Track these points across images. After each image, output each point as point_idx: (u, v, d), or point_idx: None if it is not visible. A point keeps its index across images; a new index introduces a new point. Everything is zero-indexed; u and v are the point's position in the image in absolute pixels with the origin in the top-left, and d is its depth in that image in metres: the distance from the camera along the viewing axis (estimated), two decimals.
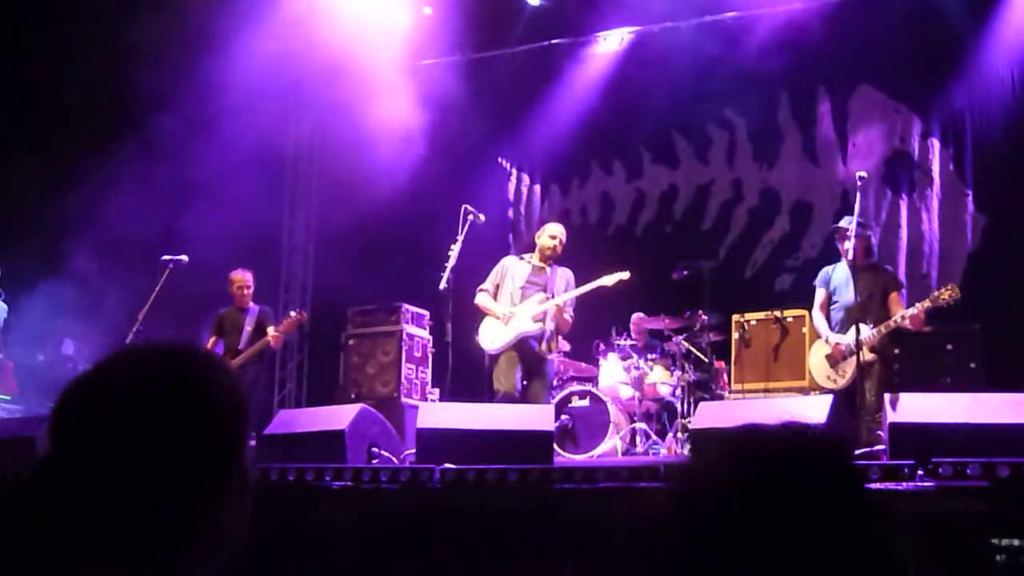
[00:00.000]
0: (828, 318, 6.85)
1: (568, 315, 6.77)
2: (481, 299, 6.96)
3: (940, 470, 4.17)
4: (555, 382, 7.78)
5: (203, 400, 1.27)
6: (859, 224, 6.45)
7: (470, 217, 6.64)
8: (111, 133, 8.94)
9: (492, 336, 6.85)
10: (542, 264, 6.96)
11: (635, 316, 8.89)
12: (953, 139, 8.95)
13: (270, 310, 8.44)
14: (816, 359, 6.82)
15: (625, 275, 6.71)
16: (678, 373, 8.21)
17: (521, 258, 7.06)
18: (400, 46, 9.37)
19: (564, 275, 6.97)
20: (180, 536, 1.25)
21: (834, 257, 6.97)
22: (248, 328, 8.09)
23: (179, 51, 8.46)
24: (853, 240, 6.38)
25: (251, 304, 8.29)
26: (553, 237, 6.96)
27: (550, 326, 6.80)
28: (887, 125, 9.24)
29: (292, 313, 8.14)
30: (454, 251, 6.51)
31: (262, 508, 1.36)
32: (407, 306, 9.25)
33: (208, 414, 1.27)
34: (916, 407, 4.78)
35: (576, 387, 8.22)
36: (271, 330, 8.00)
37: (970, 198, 8.87)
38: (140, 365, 1.29)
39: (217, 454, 1.27)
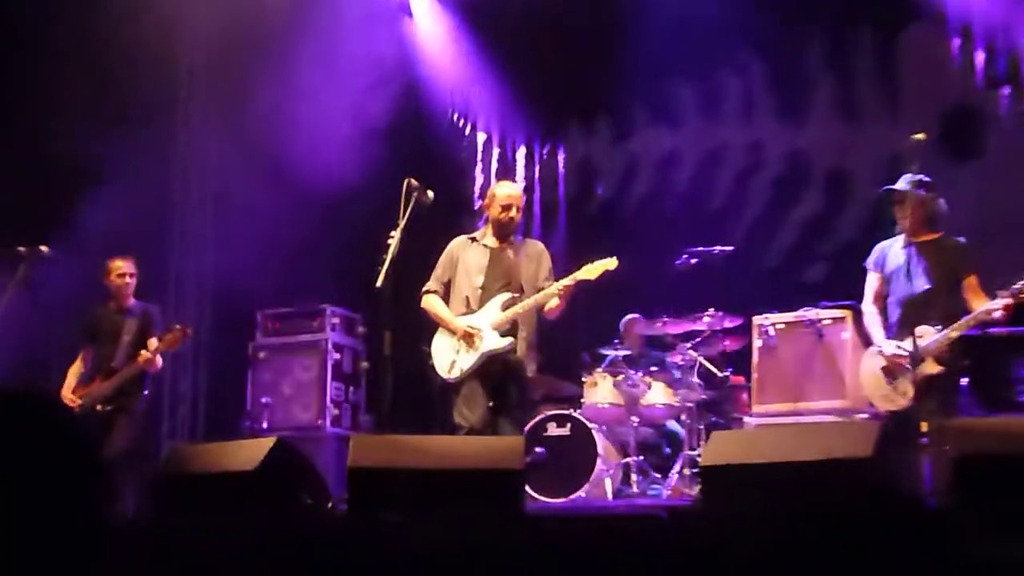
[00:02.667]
0: (883, 312, 6.63)
1: (553, 300, 6.55)
2: (429, 303, 6.85)
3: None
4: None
5: (37, 456, 1.26)
6: (920, 183, 6.30)
7: (415, 194, 6.46)
8: None
9: (448, 358, 6.70)
10: (499, 244, 6.80)
11: (628, 319, 8.98)
12: None
13: (158, 311, 8.40)
14: (869, 370, 6.57)
15: (612, 263, 6.48)
16: (683, 391, 8.26)
17: (472, 239, 6.88)
18: None
19: (534, 254, 6.80)
20: None
21: (888, 232, 6.76)
22: (127, 337, 8.07)
23: None
24: (910, 206, 6.26)
25: (133, 302, 8.26)
26: (507, 205, 6.77)
27: (525, 333, 6.68)
28: (949, 71, 9.27)
29: (175, 328, 8.03)
30: (395, 238, 6.34)
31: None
32: (334, 309, 9.40)
33: (43, 474, 1.26)
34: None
35: (553, 411, 8.27)
36: (152, 343, 7.93)
37: None
38: None
39: (58, 517, 1.25)
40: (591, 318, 8.59)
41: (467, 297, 6.67)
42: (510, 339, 6.57)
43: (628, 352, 8.75)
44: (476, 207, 10.49)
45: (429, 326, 6.92)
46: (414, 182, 6.45)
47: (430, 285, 6.87)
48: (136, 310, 8.19)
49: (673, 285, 8.54)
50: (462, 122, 10.87)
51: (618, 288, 7.39)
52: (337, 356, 9.36)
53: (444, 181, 8.36)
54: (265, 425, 8.93)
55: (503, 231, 6.73)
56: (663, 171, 10.33)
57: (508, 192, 6.84)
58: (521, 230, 6.95)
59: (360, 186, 9.34)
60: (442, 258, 6.89)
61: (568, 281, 6.47)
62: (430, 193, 6.54)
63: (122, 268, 8.22)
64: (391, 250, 6.27)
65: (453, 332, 6.64)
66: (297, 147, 9.45)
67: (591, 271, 6.45)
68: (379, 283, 6.23)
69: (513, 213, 6.70)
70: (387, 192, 7.04)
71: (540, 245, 6.86)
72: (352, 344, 9.67)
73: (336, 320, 9.50)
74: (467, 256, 6.76)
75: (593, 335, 8.82)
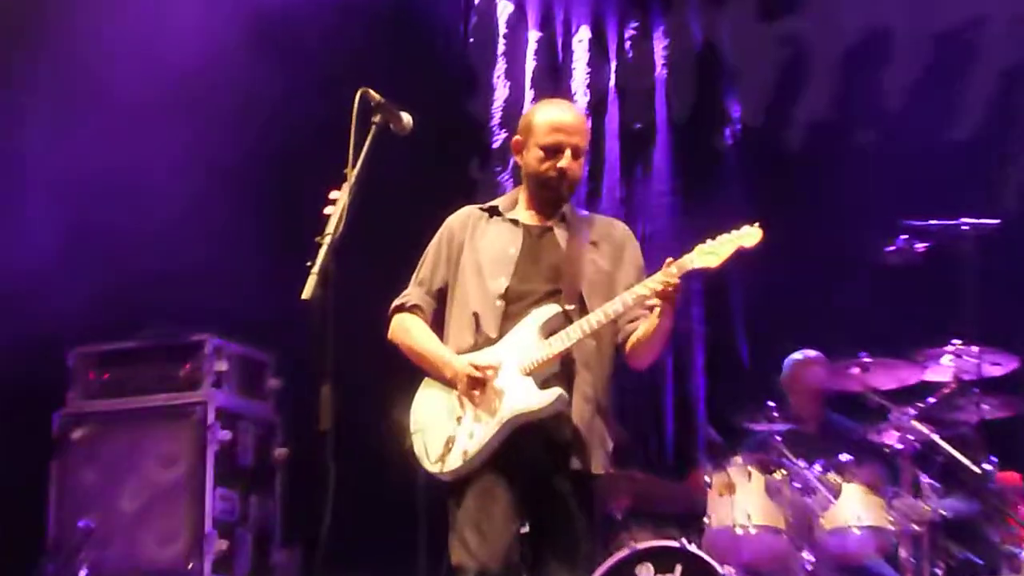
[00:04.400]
0: None
1: (643, 324, 5.77)
2: (404, 328, 6.10)
3: None
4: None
5: None
6: None
7: (377, 119, 5.43)
8: None
9: (440, 433, 5.82)
10: (541, 220, 6.06)
11: (794, 361, 8.64)
12: None
13: None
14: None
15: (755, 236, 5.64)
16: (904, 503, 7.65)
17: (489, 211, 6.21)
18: None
19: (609, 239, 6.13)
20: None
21: None
22: None
23: None
24: None
25: None
26: (554, 144, 5.94)
27: (592, 383, 5.76)
28: None
29: None
30: (338, 206, 5.35)
31: None
32: (220, 343, 8.64)
33: None
34: None
35: (650, 540, 7.81)
36: None
37: None
38: None
39: None
40: (720, 357, 8.69)
41: (476, 315, 5.84)
42: (557, 392, 5.63)
43: (794, 426, 8.25)
44: (495, 145, 10.12)
45: (404, 374, 6.08)
46: (375, 96, 5.45)
47: (408, 296, 6.11)
48: None
49: (880, 294, 8.36)
50: None
51: (770, 298, 8.03)
52: (226, 435, 8.36)
53: (435, 94, 8.67)
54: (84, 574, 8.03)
55: (549, 194, 5.97)
56: (856, 69, 9.75)
57: (558, 118, 5.98)
58: (582, 194, 6.97)
59: (270, 106, 9.16)
60: (431, 247, 6.20)
61: (671, 274, 5.54)
62: (406, 118, 5.54)
63: None
64: (332, 229, 5.29)
65: (448, 381, 5.83)
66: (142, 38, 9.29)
67: (715, 252, 5.62)
68: (308, 292, 5.13)
69: (567, 160, 5.87)
70: (323, 118, 6.93)
71: (621, 225, 6.22)
72: (255, 411, 8.71)
73: (223, 365, 8.51)
74: (480, 241, 6.08)
75: (726, 391, 8.65)
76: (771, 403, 8.16)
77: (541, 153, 5.87)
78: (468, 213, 6.21)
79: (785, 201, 9.35)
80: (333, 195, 5.35)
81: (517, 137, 6.09)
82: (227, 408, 8.66)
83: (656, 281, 5.50)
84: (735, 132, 10.34)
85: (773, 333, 8.92)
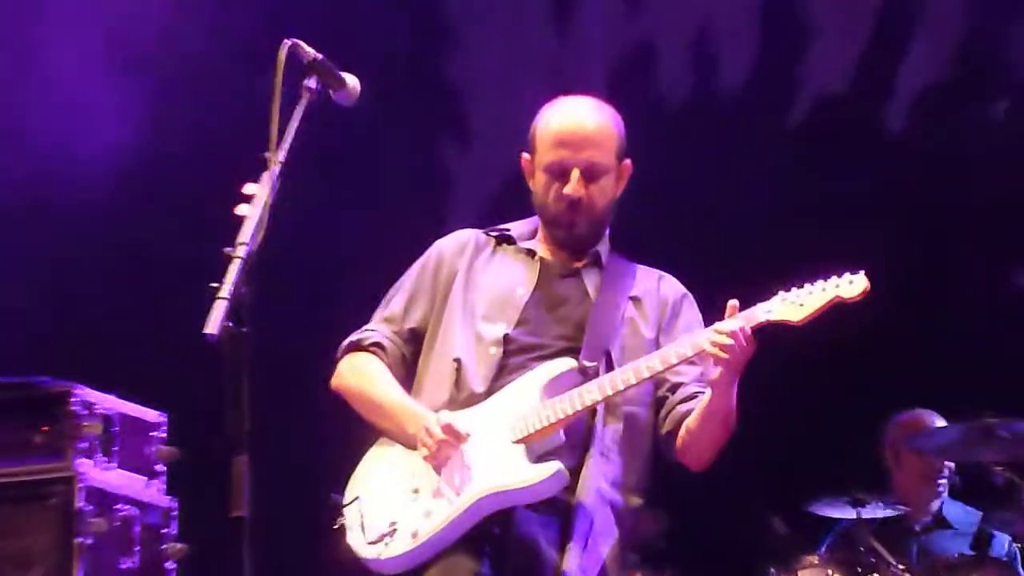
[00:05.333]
0: None
1: (695, 409, 5.34)
2: (355, 371, 5.68)
3: None
4: None
5: None
6: None
7: (310, 82, 4.92)
8: None
9: (385, 507, 5.47)
10: (569, 262, 5.72)
11: (899, 423, 8.08)
12: None
13: None
14: None
15: (859, 286, 5.04)
16: None
17: (500, 240, 5.84)
18: None
19: (659, 295, 5.73)
20: None
21: None
22: None
23: None
24: None
25: None
26: (561, 160, 5.58)
27: (604, 482, 5.34)
28: None
29: None
30: (257, 203, 4.63)
31: None
32: (91, 396, 7.59)
33: None
34: None
35: None
36: None
37: None
38: None
39: None
40: (791, 414, 8.41)
41: (458, 364, 5.43)
42: (554, 468, 5.16)
43: (896, 512, 7.79)
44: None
45: (353, 437, 5.76)
46: (308, 51, 4.86)
47: (369, 332, 5.67)
48: None
49: (1017, 330, 8.42)
50: None
51: (865, 332, 7.27)
52: (101, 525, 7.29)
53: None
54: None
55: (560, 233, 5.61)
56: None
57: (563, 126, 5.55)
58: (620, 229, 5.90)
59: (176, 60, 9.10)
60: (410, 274, 5.81)
61: (738, 327, 4.98)
62: (351, 81, 5.00)
63: None
64: (247, 237, 4.50)
65: (409, 440, 5.41)
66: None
67: (802, 303, 5.09)
68: (212, 325, 4.29)
69: (574, 185, 5.46)
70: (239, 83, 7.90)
71: (675, 283, 5.77)
72: (141, 490, 7.63)
73: (97, 427, 7.47)
74: (480, 276, 5.71)
75: (798, 464, 8.49)
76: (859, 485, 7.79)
77: (545, 177, 5.42)
78: (469, 237, 5.71)
79: (884, 198, 8.96)
80: (249, 189, 4.58)
81: (525, 155, 5.58)
82: (102, 487, 7.40)
83: (716, 335, 4.90)
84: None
85: (868, 382, 8.49)
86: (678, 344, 5.21)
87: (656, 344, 5.49)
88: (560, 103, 5.72)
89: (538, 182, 5.53)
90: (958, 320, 8.70)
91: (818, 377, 8.50)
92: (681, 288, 5.71)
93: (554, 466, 5.09)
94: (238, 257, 4.35)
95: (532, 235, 5.73)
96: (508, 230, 5.79)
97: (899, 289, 7.90)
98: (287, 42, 4.67)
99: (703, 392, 5.20)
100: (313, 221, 7.42)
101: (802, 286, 5.05)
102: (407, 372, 5.56)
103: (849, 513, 7.79)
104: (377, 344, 5.56)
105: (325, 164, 7.85)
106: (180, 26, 9.17)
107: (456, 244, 5.77)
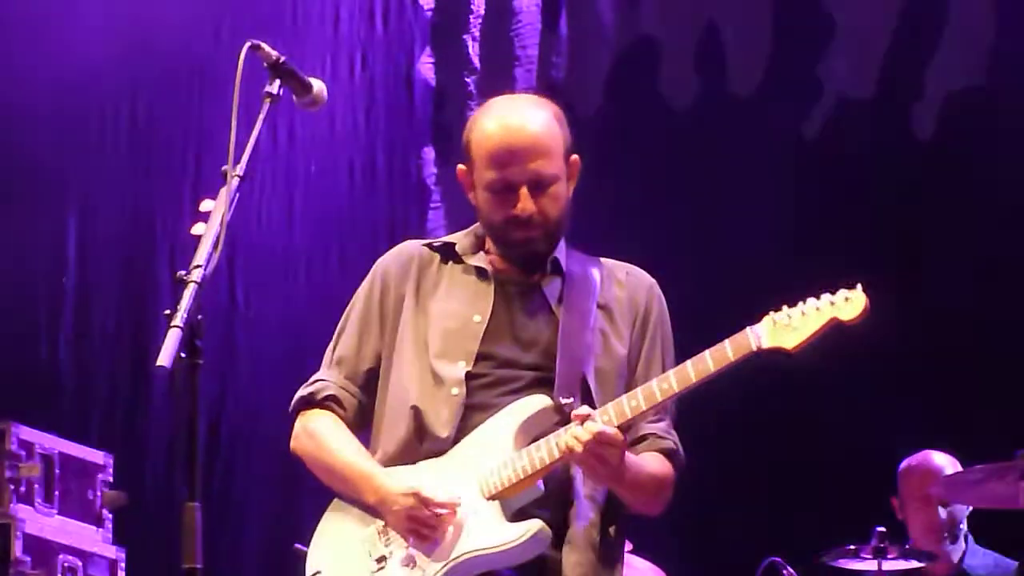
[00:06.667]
0: None
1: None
2: (311, 432, 5.32)
3: None
4: None
5: None
6: None
7: (272, 87, 4.69)
8: None
9: None
10: (525, 276, 5.34)
11: (923, 463, 7.76)
12: None
13: None
14: None
15: (858, 304, 4.67)
16: None
17: (445, 256, 5.48)
18: None
19: (627, 300, 5.42)
20: None
21: None
22: None
23: None
24: None
25: None
26: (504, 170, 5.21)
27: (592, 527, 5.06)
28: None
29: None
30: (214, 221, 4.47)
31: None
32: (29, 434, 7.68)
33: None
34: None
35: None
36: None
37: None
38: None
39: None
40: (795, 456, 8.35)
41: (415, 412, 5.15)
42: (534, 527, 4.94)
43: (914, 563, 7.53)
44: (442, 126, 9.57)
45: (312, 494, 5.58)
46: (271, 53, 4.63)
47: (319, 384, 5.26)
48: None
49: None
50: None
51: (875, 364, 7.83)
52: None
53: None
54: None
55: (515, 253, 5.25)
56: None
57: (501, 139, 5.15)
58: (575, 227, 5.43)
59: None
60: (354, 305, 5.41)
61: (732, 349, 4.79)
62: (316, 86, 4.75)
63: None
64: (203, 259, 4.35)
65: (370, 508, 5.18)
66: None
67: (795, 328, 4.82)
68: (164, 357, 4.13)
69: (525, 201, 5.11)
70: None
71: (643, 277, 5.36)
72: (85, 540, 7.65)
73: (35, 469, 7.65)
74: (430, 301, 5.40)
75: (805, 509, 8.38)
76: (879, 528, 7.28)
77: (488, 195, 5.07)
78: (410, 254, 5.32)
79: (909, 205, 8.70)
80: (205, 206, 4.39)
81: (460, 166, 5.20)
82: (42, 534, 7.47)
83: (690, 373, 4.69)
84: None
85: (882, 418, 8.21)
86: (656, 382, 4.89)
87: (628, 362, 5.18)
88: (493, 107, 5.35)
89: (481, 199, 5.20)
90: (998, 341, 8.36)
91: (834, 413, 8.27)
92: (646, 282, 5.34)
93: (534, 525, 4.84)
94: (193, 281, 4.12)
95: (478, 246, 5.36)
96: (453, 244, 5.42)
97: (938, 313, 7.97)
98: (248, 43, 4.45)
99: (655, 430, 4.97)
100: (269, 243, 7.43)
101: (795, 304, 4.74)
102: (365, 420, 5.29)
103: (864, 563, 7.49)
104: (331, 397, 5.25)
105: None
106: None
107: (398, 263, 5.42)
